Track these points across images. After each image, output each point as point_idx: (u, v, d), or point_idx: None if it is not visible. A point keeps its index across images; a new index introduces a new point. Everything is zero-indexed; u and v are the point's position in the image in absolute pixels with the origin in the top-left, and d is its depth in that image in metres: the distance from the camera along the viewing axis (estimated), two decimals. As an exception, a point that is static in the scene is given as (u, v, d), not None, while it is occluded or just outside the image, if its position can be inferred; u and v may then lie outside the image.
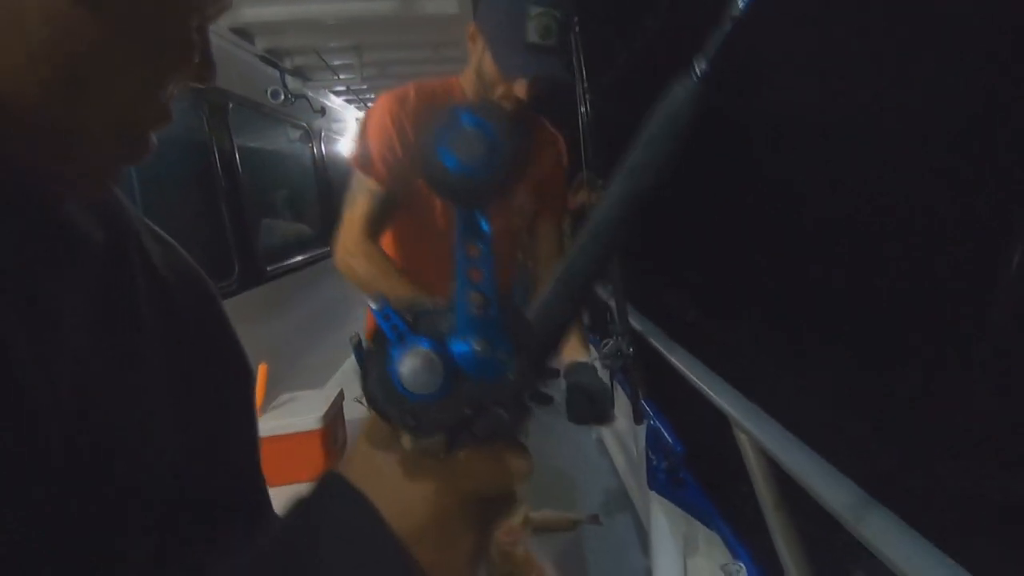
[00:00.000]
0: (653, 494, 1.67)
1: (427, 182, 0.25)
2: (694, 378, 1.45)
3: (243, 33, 2.52)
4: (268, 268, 2.73)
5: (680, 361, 1.58)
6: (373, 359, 0.27)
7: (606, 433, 3.00)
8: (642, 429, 1.75)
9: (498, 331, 0.28)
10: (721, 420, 1.31)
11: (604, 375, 2.54)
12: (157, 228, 0.40)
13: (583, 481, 2.77)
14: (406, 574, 0.26)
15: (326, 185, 3.70)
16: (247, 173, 2.61)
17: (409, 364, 0.26)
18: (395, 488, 0.28)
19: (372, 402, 0.27)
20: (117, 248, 0.34)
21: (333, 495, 0.28)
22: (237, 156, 2.54)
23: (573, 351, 1.27)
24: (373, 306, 0.27)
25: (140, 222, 0.38)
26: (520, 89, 1.06)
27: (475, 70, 1.12)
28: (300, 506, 0.28)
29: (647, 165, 0.31)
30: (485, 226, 0.27)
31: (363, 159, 1.13)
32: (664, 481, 1.59)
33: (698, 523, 1.50)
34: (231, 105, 2.51)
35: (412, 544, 0.27)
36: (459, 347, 0.27)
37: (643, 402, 1.77)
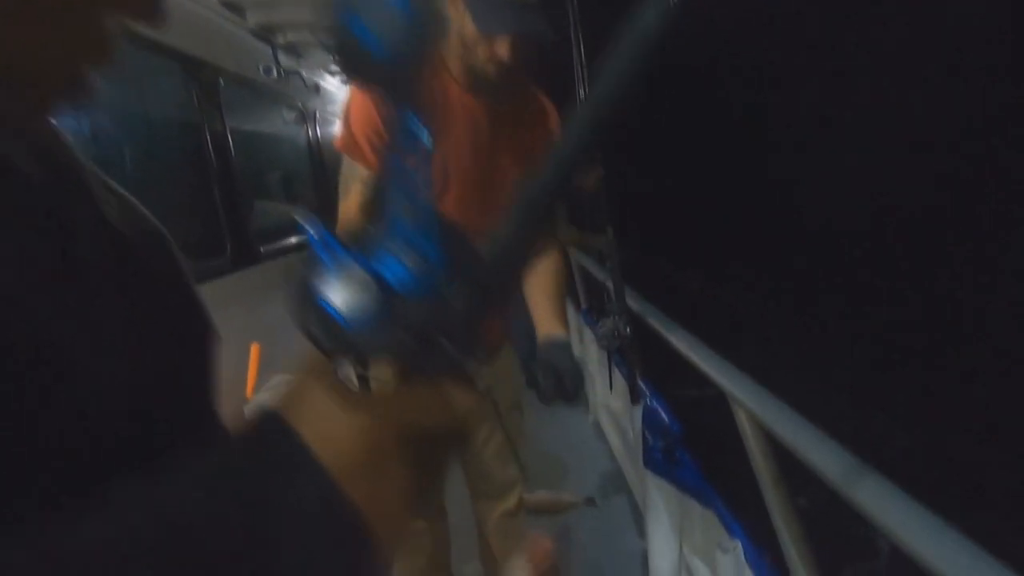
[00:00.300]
0: (649, 474, 1.66)
1: (336, 60, 0.22)
2: (692, 356, 1.43)
3: (234, 7, 2.46)
4: (262, 249, 2.70)
5: (677, 340, 1.56)
6: (305, 284, 0.25)
7: (603, 415, 2.99)
8: (639, 409, 1.74)
9: (431, 244, 0.25)
10: (718, 400, 1.29)
11: (601, 355, 2.52)
12: (110, 180, 0.39)
13: (579, 463, 2.77)
14: (333, 506, 0.25)
15: (321, 168, 3.66)
16: (240, 153, 2.57)
17: (337, 284, 0.24)
18: (328, 421, 0.26)
19: (304, 330, 0.25)
20: (56, 186, 0.32)
21: (261, 427, 0.27)
22: (229, 135, 2.50)
23: (549, 325, 1.21)
24: (307, 228, 0.25)
25: (91, 172, 0.37)
26: (502, 48, 1.02)
27: (456, 33, 1.09)
28: (229, 441, 0.27)
29: (611, 91, 0.29)
30: (421, 130, 0.25)
31: (349, 143, 1.10)
32: (660, 461, 1.57)
33: (694, 502, 1.49)
34: (222, 82, 2.47)
35: (343, 477, 0.25)
36: (389, 262, 0.25)
37: (640, 382, 1.75)
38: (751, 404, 1.13)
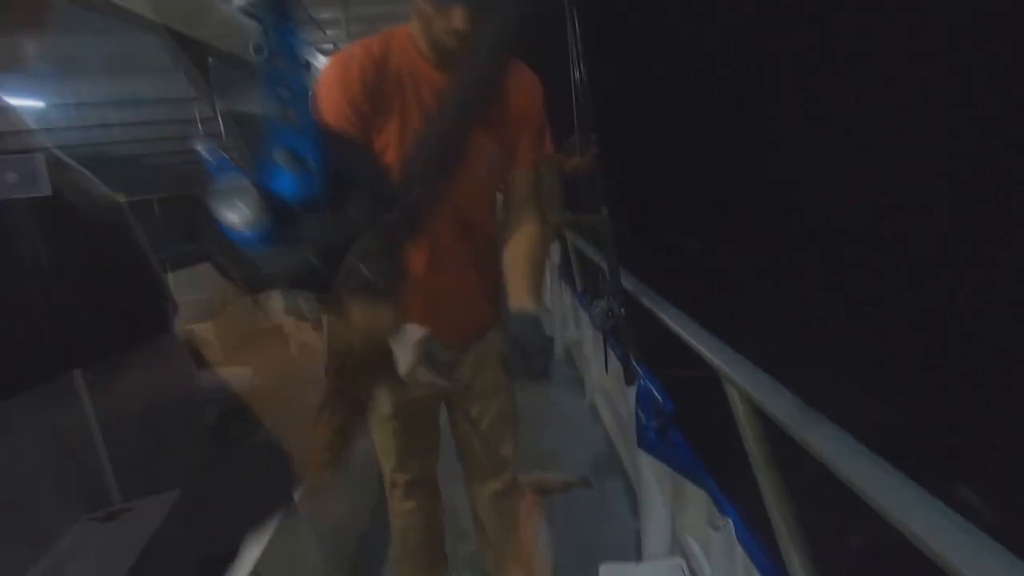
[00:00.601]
0: (642, 454, 1.66)
1: None
2: (685, 335, 1.43)
3: (221, -17, 2.41)
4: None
5: (671, 319, 1.55)
6: (206, 212, 0.24)
7: (598, 397, 3.00)
8: (632, 390, 1.73)
9: (312, 149, 0.24)
10: (713, 380, 1.29)
11: (597, 337, 2.49)
12: (63, 155, 0.37)
13: (574, 446, 2.78)
14: (246, 433, 0.24)
15: (314, 149, 3.62)
16: (230, 133, 2.53)
17: (224, 199, 0.23)
18: (241, 350, 0.25)
19: (212, 261, 0.24)
20: None
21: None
22: (219, 115, 2.46)
23: (520, 298, 1.18)
24: (203, 156, 0.24)
25: (42, 147, 0.35)
26: (457, 19, 1.00)
27: (416, 10, 1.06)
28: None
29: (510, 11, 0.28)
30: (291, 34, 0.23)
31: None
32: (653, 440, 1.57)
33: (686, 481, 1.49)
34: (211, 60, 2.42)
35: (257, 404, 0.24)
36: (275, 173, 0.24)
37: (634, 362, 1.75)
38: (743, 383, 1.12)
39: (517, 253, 1.24)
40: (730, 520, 1.26)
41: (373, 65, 1.09)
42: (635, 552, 1.93)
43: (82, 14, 1.80)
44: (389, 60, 1.11)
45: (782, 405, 1.01)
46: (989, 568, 0.63)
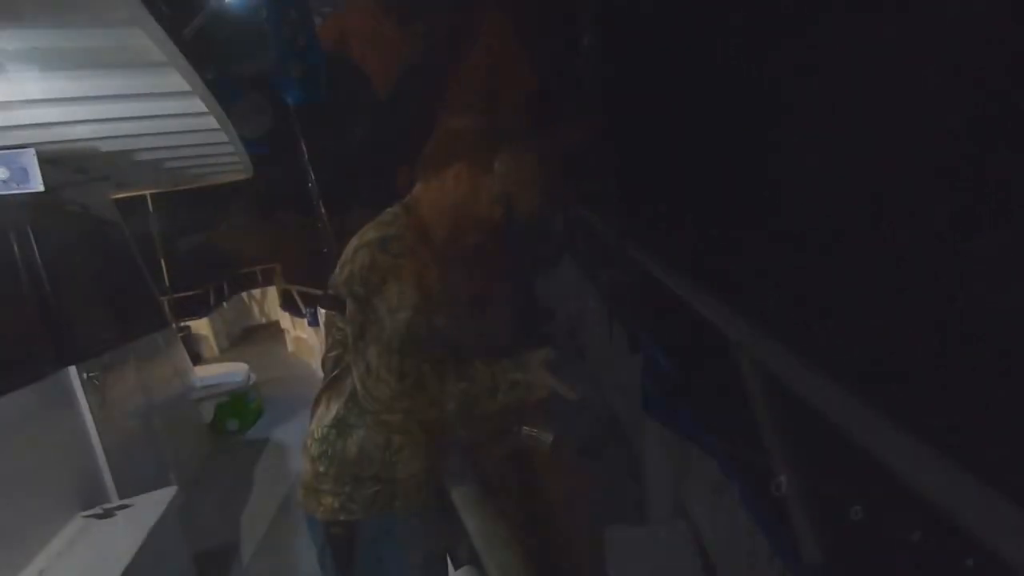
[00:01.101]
0: (648, 420, 1.67)
1: None
2: (695, 302, 1.42)
3: (213, -58, 2.32)
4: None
5: (679, 287, 1.54)
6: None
7: (602, 366, 3.00)
8: (638, 357, 1.74)
9: (316, 60, 0.23)
10: (718, 346, 1.28)
11: (601, 306, 2.46)
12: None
13: (574, 416, 2.79)
14: None
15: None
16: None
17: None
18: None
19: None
20: None
21: None
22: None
23: (524, 204, 1.16)
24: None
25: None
26: None
27: None
28: None
29: None
30: None
31: None
32: (659, 407, 1.58)
33: (691, 446, 1.50)
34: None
35: None
36: (283, 81, 0.22)
37: (639, 330, 1.75)
38: (753, 346, 1.12)
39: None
40: (735, 484, 1.27)
41: (334, 47, 1.07)
42: (638, 518, 1.95)
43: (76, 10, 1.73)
44: (348, 39, 1.09)
45: (791, 368, 1.01)
46: (995, 521, 0.63)
